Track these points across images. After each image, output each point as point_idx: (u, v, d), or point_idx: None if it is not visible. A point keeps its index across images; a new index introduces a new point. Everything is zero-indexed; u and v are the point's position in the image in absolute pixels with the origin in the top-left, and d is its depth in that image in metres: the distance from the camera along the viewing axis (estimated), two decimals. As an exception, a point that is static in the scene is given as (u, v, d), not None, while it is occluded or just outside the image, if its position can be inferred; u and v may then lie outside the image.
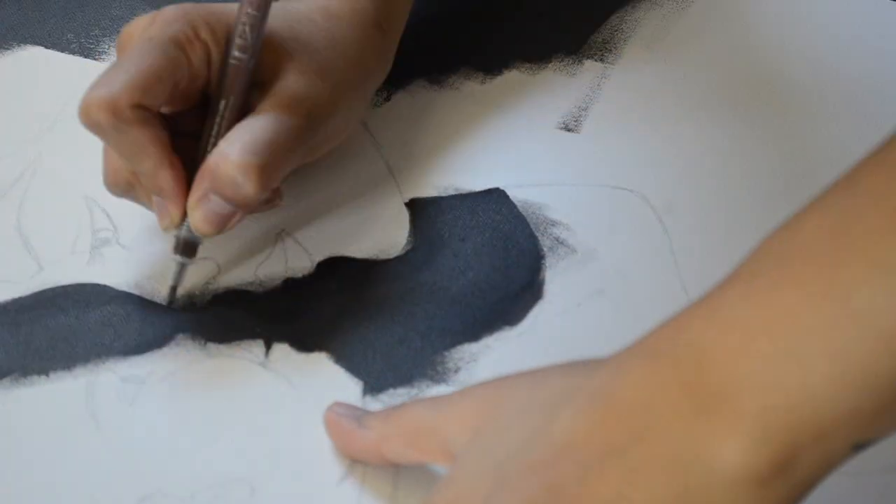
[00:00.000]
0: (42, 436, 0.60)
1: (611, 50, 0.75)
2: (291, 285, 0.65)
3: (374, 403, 0.61)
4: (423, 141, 0.71)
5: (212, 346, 0.63)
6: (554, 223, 0.68)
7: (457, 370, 0.63)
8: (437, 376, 0.62)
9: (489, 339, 0.64)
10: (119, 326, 0.63)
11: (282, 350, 0.63)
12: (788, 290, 0.46)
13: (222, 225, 0.61)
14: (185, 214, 0.61)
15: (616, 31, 0.76)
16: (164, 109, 0.62)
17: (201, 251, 0.63)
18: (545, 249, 0.67)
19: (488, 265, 0.66)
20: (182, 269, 0.63)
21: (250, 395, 0.61)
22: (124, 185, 0.63)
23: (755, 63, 0.75)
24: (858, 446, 0.46)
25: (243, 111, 0.62)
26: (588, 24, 0.76)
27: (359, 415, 0.58)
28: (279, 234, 0.67)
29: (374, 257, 0.66)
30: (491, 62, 0.75)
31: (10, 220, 0.67)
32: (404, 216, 0.68)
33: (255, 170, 0.60)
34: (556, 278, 0.66)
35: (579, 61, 0.75)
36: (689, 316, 0.48)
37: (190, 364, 0.62)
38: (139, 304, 0.64)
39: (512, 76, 0.74)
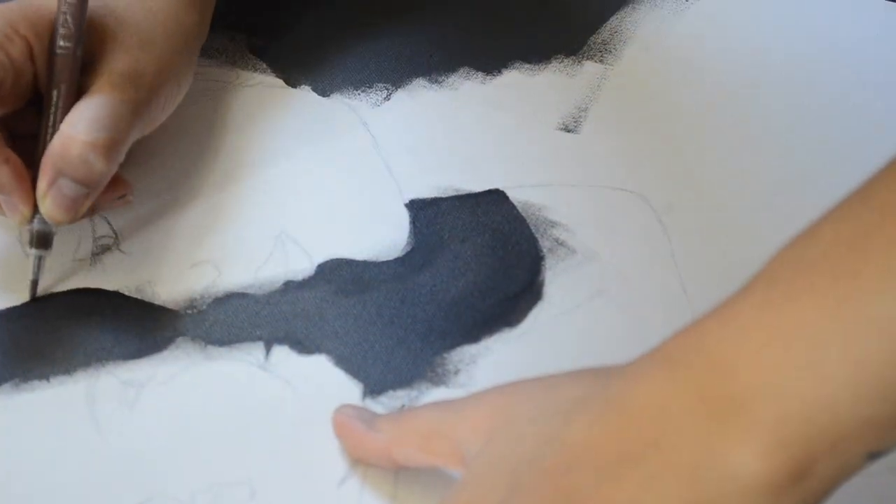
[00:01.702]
0: (43, 440, 0.59)
1: (610, 51, 0.75)
2: (291, 287, 0.65)
3: (374, 405, 0.61)
4: (423, 141, 0.71)
5: (212, 349, 0.63)
6: (554, 224, 0.68)
7: (456, 372, 0.62)
8: (437, 378, 0.62)
9: (489, 341, 0.64)
10: (119, 331, 0.63)
11: (281, 352, 0.63)
12: (805, 299, 0.46)
13: (76, 210, 0.61)
14: (35, 207, 0.61)
15: (615, 32, 0.76)
16: None
17: (202, 254, 0.63)
18: (545, 250, 0.67)
19: (488, 266, 0.66)
20: (40, 262, 0.63)
21: (250, 398, 0.61)
22: None
23: (754, 64, 0.75)
24: (873, 455, 0.46)
25: (76, 98, 0.62)
26: (588, 26, 0.76)
27: (368, 417, 0.58)
28: (279, 236, 0.67)
29: (374, 258, 0.66)
30: (491, 62, 0.74)
31: (12, 227, 0.66)
32: (404, 217, 0.68)
33: (105, 144, 0.61)
34: (556, 279, 0.66)
35: (579, 62, 0.75)
36: (706, 324, 0.48)
37: (190, 367, 0.62)
38: (140, 308, 0.64)
39: (512, 76, 0.74)
